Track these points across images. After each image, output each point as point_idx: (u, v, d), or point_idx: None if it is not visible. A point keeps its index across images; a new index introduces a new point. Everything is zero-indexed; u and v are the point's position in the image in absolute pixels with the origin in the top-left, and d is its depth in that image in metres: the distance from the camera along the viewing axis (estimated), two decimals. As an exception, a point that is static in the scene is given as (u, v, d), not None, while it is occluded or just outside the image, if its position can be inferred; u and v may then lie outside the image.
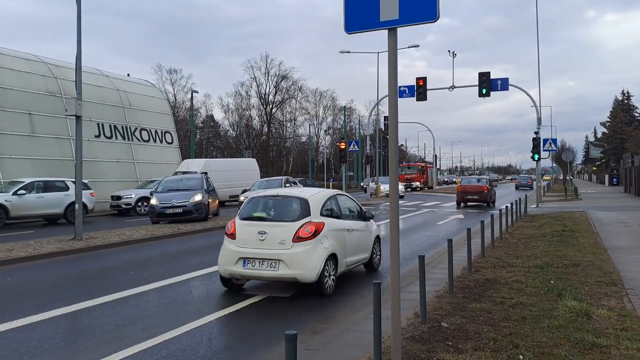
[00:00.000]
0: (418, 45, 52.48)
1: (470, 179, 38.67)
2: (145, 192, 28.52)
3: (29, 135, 28.25)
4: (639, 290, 8.50)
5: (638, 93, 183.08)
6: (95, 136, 32.15)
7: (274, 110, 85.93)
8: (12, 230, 20.84)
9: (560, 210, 26.20)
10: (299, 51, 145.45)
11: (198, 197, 22.14)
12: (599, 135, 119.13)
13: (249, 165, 40.00)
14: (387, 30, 4.92)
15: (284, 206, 9.86)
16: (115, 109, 34.39)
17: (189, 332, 7.05)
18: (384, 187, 43.01)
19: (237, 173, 36.63)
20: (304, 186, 35.28)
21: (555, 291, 8.35)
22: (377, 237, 11.73)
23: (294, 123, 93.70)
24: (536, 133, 33.53)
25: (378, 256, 11.75)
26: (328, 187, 68.49)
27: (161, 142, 37.83)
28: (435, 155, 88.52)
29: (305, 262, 8.80)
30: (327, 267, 9.15)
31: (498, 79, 31.55)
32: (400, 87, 32.62)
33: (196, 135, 75.92)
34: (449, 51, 39.27)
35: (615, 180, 65.28)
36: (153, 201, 22.31)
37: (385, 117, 57.81)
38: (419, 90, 32.41)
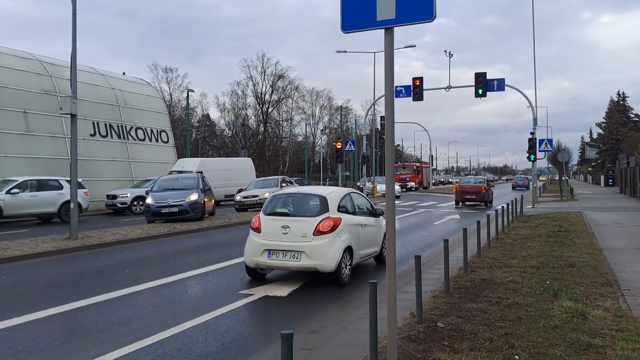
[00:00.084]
0: (414, 45, 52.55)
1: (468, 179, 39.72)
2: (140, 192, 28.48)
3: (24, 133, 28.14)
4: (634, 291, 8.51)
5: (633, 94, 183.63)
6: (91, 135, 32.04)
7: (270, 110, 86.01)
8: (6, 229, 20.79)
9: (556, 211, 26.25)
10: (296, 51, 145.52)
11: (194, 197, 22.10)
12: (595, 136, 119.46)
13: (244, 165, 40.01)
14: (383, 30, 4.91)
15: (305, 203, 10.76)
16: (111, 108, 34.29)
17: (184, 332, 7.04)
18: (381, 187, 43.06)
19: (233, 172, 36.63)
20: (300, 186, 35.31)
21: (551, 291, 8.36)
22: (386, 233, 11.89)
23: (291, 123, 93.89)
24: (532, 134, 33.61)
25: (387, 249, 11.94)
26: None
27: (157, 141, 37.75)
28: (432, 156, 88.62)
29: (325, 254, 9.65)
30: (344, 259, 9.99)
31: (494, 79, 31.62)
32: (396, 87, 32.63)
33: (192, 135, 75.81)
34: (445, 51, 39.35)
35: (610, 181, 65.40)
36: (149, 200, 22.26)
37: (381, 117, 57.84)
38: (416, 90, 32.49)
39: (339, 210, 10.36)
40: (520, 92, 34.29)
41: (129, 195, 28.94)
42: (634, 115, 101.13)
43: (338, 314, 7.92)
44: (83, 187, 24.45)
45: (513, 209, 20.88)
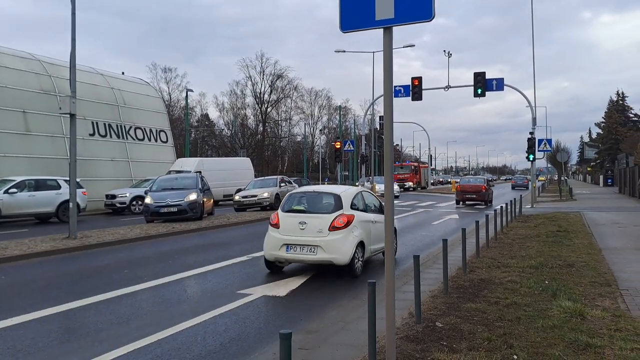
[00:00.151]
0: (413, 45, 52.48)
1: (469, 178, 40.32)
2: (139, 191, 28.47)
3: (23, 133, 28.14)
4: (633, 291, 8.52)
5: (633, 94, 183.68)
6: (90, 135, 32.05)
7: (269, 110, 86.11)
8: (5, 229, 20.78)
9: (555, 211, 26.26)
10: (295, 51, 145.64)
11: (193, 196, 22.10)
12: (594, 136, 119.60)
13: (243, 165, 40.01)
14: (382, 29, 4.91)
15: (320, 200, 11.46)
16: (110, 108, 34.29)
17: (183, 331, 7.03)
18: (379, 187, 43.05)
19: (231, 172, 36.63)
20: (299, 186, 35.34)
21: (550, 291, 8.37)
22: (395, 229, 12.40)
23: (289, 122, 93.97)
24: (531, 133, 33.63)
25: (395, 246, 12.63)
26: (323, 186, 68.54)
27: (156, 140, 37.75)
28: (431, 155, 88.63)
29: (339, 248, 10.31)
30: (357, 253, 10.66)
31: (493, 79, 31.59)
32: (395, 86, 32.64)
33: (191, 134, 75.85)
34: (444, 51, 39.33)
35: (609, 181, 65.45)
36: (148, 200, 22.26)
37: (380, 116, 57.79)
38: (414, 90, 32.46)
39: (351, 208, 10.97)
40: (520, 92, 34.27)
41: (128, 195, 28.93)
42: (633, 115, 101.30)
43: (337, 313, 7.92)
44: (81, 187, 24.44)
45: (512, 209, 20.89)
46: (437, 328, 6.56)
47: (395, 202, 14.48)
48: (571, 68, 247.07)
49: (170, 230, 18.65)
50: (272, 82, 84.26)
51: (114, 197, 28.81)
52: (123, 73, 40.31)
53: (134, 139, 35.65)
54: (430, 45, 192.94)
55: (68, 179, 22.84)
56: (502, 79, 31.67)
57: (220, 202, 34.04)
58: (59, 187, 23.76)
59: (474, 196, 34.26)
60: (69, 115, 17.27)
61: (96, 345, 6.52)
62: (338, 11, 5.04)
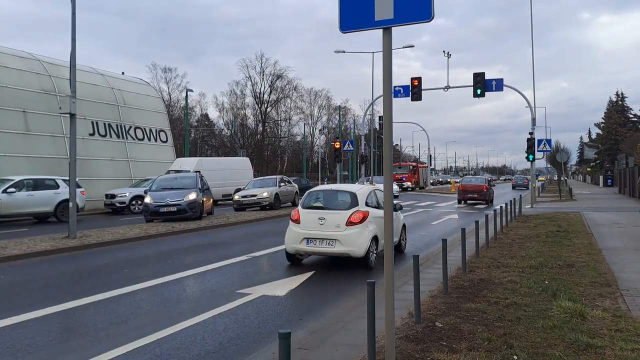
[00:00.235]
0: (413, 46, 52.45)
1: (470, 178, 41.07)
2: (139, 191, 28.46)
3: (24, 133, 28.15)
4: (633, 291, 8.51)
5: (632, 94, 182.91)
6: (90, 134, 32.05)
7: (268, 110, 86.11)
8: (3, 228, 20.77)
9: (554, 211, 26.25)
10: (294, 51, 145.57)
11: (192, 196, 22.09)
12: (594, 136, 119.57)
13: (242, 164, 39.97)
14: (382, 30, 4.91)
15: (337, 198, 12.26)
16: (110, 107, 34.30)
17: (182, 331, 7.03)
18: (379, 187, 43.01)
19: (230, 172, 36.60)
20: (298, 186, 35.36)
21: (550, 292, 8.36)
22: (404, 225, 14.17)
23: (289, 122, 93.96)
24: (531, 134, 33.62)
25: (405, 241, 14.21)
26: (323, 186, 68.46)
27: (155, 140, 37.76)
28: (430, 155, 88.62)
29: (356, 241, 11.12)
30: (371, 246, 11.45)
31: (493, 79, 31.59)
32: (395, 87, 32.66)
33: (191, 134, 75.84)
34: (443, 51, 39.32)
35: (609, 181, 65.41)
36: (147, 200, 22.25)
37: (380, 116, 57.81)
38: (414, 90, 32.47)
39: (366, 205, 11.75)
40: (519, 92, 34.27)
41: (127, 194, 28.92)
42: (632, 116, 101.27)
43: (336, 313, 7.91)
44: (80, 187, 24.41)
45: (512, 209, 20.89)
46: (436, 328, 6.55)
47: (394, 202, 14.88)
48: (570, 68, 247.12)
49: (169, 230, 18.64)
50: (271, 82, 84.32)
51: (113, 196, 28.80)
52: (123, 73, 40.33)
53: (133, 139, 35.65)
54: (430, 45, 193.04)
55: (66, 178, 22.90)
56: (501, 80, 31.69)
57: (219, 202, 34.01)
58: (57, 186, 23.74)
59: (476, 195, 35.01)
60: (69, 115, 17.27)
61: (95, 345, 6.52)
62: (337, 11, 5.03)
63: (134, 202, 28.47)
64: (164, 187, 23.07)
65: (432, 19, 4.66)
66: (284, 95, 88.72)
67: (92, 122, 32.42)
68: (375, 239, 11.58)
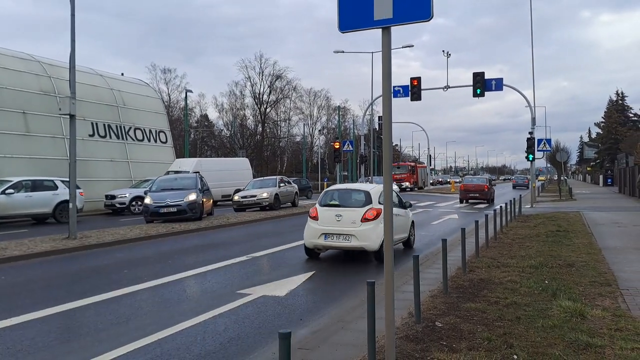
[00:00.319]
0: (412, 45, 52.35)
1: (472, 178, 41.93)
2: (139, 192, 28.48)
3: (24, 134, 28.16)
4: (633, 291, 8.52)
5: (633, 93, 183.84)
6: (90, 135, 32.07)
7: (268, 110, 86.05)
8: (3, 229, 20.76)
9: (554, 211, 26.26)
10: (294, 51, 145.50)
11: (192, 197, 22.10)
12: (594, 135, 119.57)
13: (241, 165, 39.97)
14: (381, 29, 4.91)
15: (352, 196, 13.09)
16: (110, 108, 34.32)
17: (183, 331, 7.03)
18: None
19: (230, 172, 36.60)
20: (298, 186, 35.39)
21: (550, 291, 8.36)
22: (413, 222, 15.13)
23: (288, 123, 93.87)
24: (530, 133, 33.61)
25: (413, 236, 15.18)
26: (322, 186, 68.72)
27: (155, 141, 37.78)
28: (430, 155, 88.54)
29: (370, 236, 11.93)
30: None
31: (492, 79, 31.55)
32: (394, 87, 32.65)
33: (190, 135, 75.83)
34: (443, 51, 39.39)
35: (609, 180, 65.42)
36: (147, 200, 22.26)
37: (379, 117, 57.83)
38: (413, 90, 32.45)
39: (379, 203, 12.35)
40: (519, 92, 34.26)
41: (127, 195, 28.93)
42: (632, 115, 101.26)
43: (336, 313, 7.92)
44: (78, 188, 24.39)
45: (511, 208, 20.89)
46: (436, 328, 6.56)
47: (404, 200, 15.41)
48: (570, 68, 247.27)
49: (169, 231, 18.65)
50: (271, 82, 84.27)
51: (113, 197, 28.81)
52: (122, 74, 40.36)
53: (133, 140, 35.67)
54: (429, 45, 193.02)
55: (65, 179, 22.94)
56: (501, 79, 31.66)
57: (218, 203, 33.99)
58: (55, 187, 23.73)
59: (477, 195, 35.85)
60: (68, 116, 17.28)
61: (96, 345, 6.52)
62: (337, 11, 5.03)
63: (134, 203, 28.50)
64: (164, 188, 23.08)
65: (431, 19, 4.66)
66: (284, 96, 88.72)
67: (92, 123, 32.44)
68: None
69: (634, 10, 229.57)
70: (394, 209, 12.56)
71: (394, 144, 78.95)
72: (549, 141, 39.57)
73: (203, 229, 19.76)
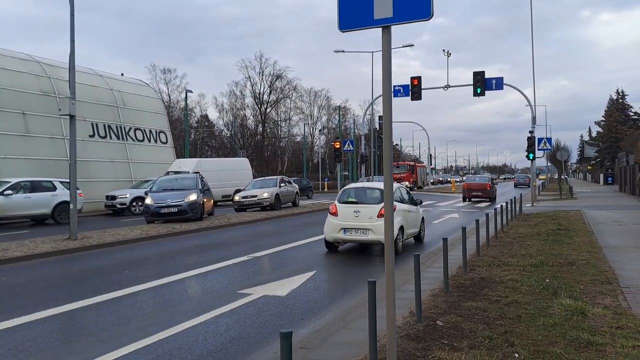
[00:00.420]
0: (412, 45, 52.40)
1: (475, 177, 43.23)
2: (140, 192, 28.48)
3: (23, 135, 28.15)
4: (634, 289, 8.52)
5: (633, 92, 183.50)
6: (90, 136, 32.05)
7: (268, 110, 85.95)
8: (4, 230, 20.79)
9: (555, 209, 26.26)
10: (294, 51, 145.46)
11: (193, 197, 22.10)
12: (594, 134, 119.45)
13: (241, 165, 39.96)
14: (381, 29, 4.91)
15: (369, 194, 14.07)
16: (110, 109, 34.30)
17: (184, 331, 7.04)
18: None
19: (230, 173, 36.60)
20: (299, 186, 35.41)
21: (551, 290, 8.36)
22: (423, 218, 16.15)
23: (289, 123, 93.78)
24: (531, 132, 33.57)
25: (423, 231, 16.21)
26: (323, 186, 68.80)
27: (155, 141, 37.76)
28: (430, 155, 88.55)
29: None
30: (399, 235, 13.39)
31: (493, 78, 31.51)
32: (394, 86, 32.64)
33: (190, 135, 75.83)
34: (443, 50, 39.33)
35: (610, 179, 65.37)
36: (148, 201, 22.26)
37: (379, 116, 57.81)
38: (414, 89, 32.44)
39: (393, 199, 12.49)
40: (519, 91, 34.23)
41: (128, 195, 28.94)
42: (633, 114, 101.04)
43: (337, 312, 7.92)
44: (77, 189, 24.38)
45: (512, 207, 20.88)
46: (438, 327, 6.56)
47: (415, 197, 15.78)
48: (571, 67, 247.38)
49: (170, 231, 18.65)
50: (271, 82, 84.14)
51: (114, 198, 28.81)
52: (122, 74, 40.33)
53: (133, 140, 35.66)
54: (429, 44, 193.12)
55: (64, 180, 22.97)
56: (501, 78, 31.63)
57: (219, 203, 33.98)
58: (54, 188, 23.72)
59: (480, 193, 36.83)
60: (68, 117, 17.28)
61: (97, 346, 6.53)
62: (337, 10, 5.03)
63: (134, 204, 28.51)
64: (165, 188, 23.09)
65: (431, 18, 4.66)
66: (284, 96, 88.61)
67: (92, 124, 32.43)
68: (401, 228, 13.50)
69: (633, 9, 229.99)
70: (406, 205, 14.06)
71: (394, 144, 78.97)
72: (549, 140, 39.52)
73: (204, 229, 19.76)
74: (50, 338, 6.91)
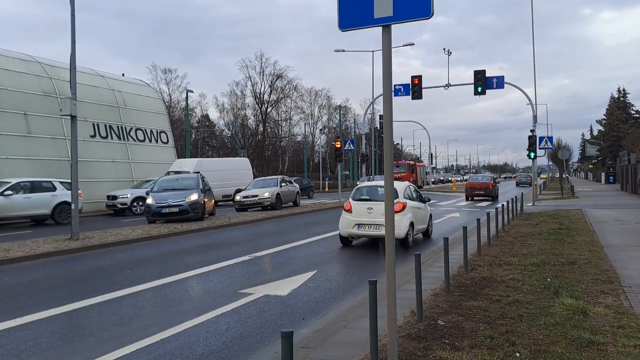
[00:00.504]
0: (413, 44, 52.54)
1: (477, 176, 44.33)
2: (141, 192, 28.48)
3: (25, 135, 28.17)
4: (635, 288, 8.51)
5: (634, 91, 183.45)
6: (91, 136, 32.06)
7: (269, 110, 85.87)
8: (5, 230, 20.80)
9: (556, 209, 26.24)
10: (294, 50, 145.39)
11: (194, 197, 22.10)
12: (595, 133, 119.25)
13: (242, 165, 39.96)
14: (381, 28, 4.90)
15: (380, 192, 14.59)
16: (111, 109, 34.30)
17: (185, 331, 7.04)
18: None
19: (230, 172, 36.58)
20: (300, 186, 35.39)
21: (552, 289, 8.36)
22: (430, 215, 17.01)
23: (289, 122, 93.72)
24: (532, 131, 33.51)
25: (431, 227, 17.15)
26: (324, 186, 68.78)
27: (156, 141, 37.76)
28: (431, 154, 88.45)
29: (398, 226, 12.78)
30: (410, 230, 14.24)
31: (493, 77, 31.41)
32: (395, 85, 32.61)
33: (191, 135, 75.83)
34: (444, 49, 39.21)
35: (611, 178, 65.31)
36: (149, 201, 22.27)
37: (380, 115, 57.77)
38: (414, 88, 32.40)
39: (404, 197, 14.51)
40: (520, 90, 34.14)
41: (129, 195, 28.94)
42: (634, 112, 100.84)
43: (338, 312, 7.92)
44: (77, 189, 24.39)
45: (513, 206, 20.87)
46: (439, 326, 6.56)
47: (423, 195, 16.02)
48: (571, 65, 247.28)
49: (171, 231, 18.66)
50: (271, 82, 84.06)
51: (115, 198, 28.81)
52: (123, 74, 40.34)
53: (134, 140, 35.67)
54: (430, 43, 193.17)
55: (64, 180, 22.98)
56: (502, 77, 31.56)
57: (219, 203, 33.97)
58: (54, 188, 23.71)
59: (482, 192, 37.75)
60: (69, 117, 17.30)
61: (99, 345, 6.53)
62: (337, 10, 5.02)
63: (135, 204, 28.51)
64: (166, 188, 23.10)
65: (431, 16, 4.65)
66: (284, 95, 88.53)
67: (93, 124, 32.44)
68: (412, 224, 14.32)
69: (634, 7, 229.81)
70: (415, 202, 14.81)
71: (395, 143, 78.87)
72: (550, 139, 39.44)
73: (205, 229, 19.77)
74: (52, 338, 6.91)
